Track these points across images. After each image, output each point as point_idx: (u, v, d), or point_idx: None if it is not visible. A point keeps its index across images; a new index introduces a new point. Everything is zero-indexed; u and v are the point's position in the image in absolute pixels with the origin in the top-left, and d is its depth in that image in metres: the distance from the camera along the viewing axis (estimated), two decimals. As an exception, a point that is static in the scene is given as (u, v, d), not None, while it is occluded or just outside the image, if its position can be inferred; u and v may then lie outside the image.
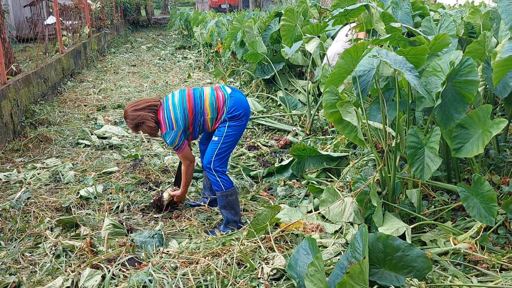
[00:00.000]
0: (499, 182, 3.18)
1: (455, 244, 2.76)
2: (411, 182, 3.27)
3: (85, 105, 6.70)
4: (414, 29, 3.46)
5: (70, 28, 10.20)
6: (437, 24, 3.85)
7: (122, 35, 17.72)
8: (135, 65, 10.70)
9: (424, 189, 3.38)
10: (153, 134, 3.28)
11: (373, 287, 2.36)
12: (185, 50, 13.55)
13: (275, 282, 2.49)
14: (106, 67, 10.38)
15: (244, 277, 2.52)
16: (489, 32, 3.22)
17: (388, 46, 3.38)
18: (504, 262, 2.61)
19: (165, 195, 3.46)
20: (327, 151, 4.11)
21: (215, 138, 3.21)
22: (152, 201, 3.48)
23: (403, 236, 2.75)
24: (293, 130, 5.31)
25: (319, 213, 3.19)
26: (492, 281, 2.46)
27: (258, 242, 2.85)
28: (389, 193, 3.10)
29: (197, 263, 2.64)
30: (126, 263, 2.62)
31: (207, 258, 2.70)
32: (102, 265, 2.60)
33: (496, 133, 2.67)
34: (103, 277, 2.49)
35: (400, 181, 3.18)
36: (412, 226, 2.89)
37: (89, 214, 3.39)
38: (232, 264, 2.61)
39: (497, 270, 2.57)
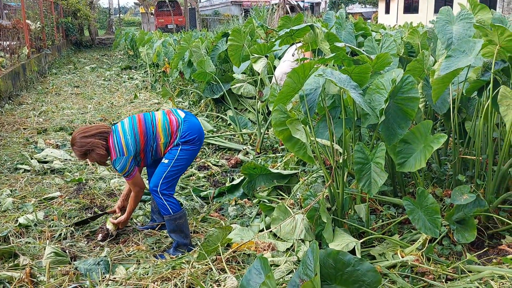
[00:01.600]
0: (441, 195, 3.30)
1: (402, 257, 2.82)
2: (359, 197, 3.33)
3: (24, 128, 6.39)
4: (357, 48, 3.58)
5: (8, 48, 9.78)
6: (378, 43, 4.01)
7: (64, 55, 17.21)
8: (79, 86, 10.38)
9: (372, 203, 3.46)
10: (102, 162, 3.15)
11: (325, 303, 2.36)
12: (131, 70, 13.32)
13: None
14: (47, 88, 10.01)
15: (195, 301, 2.44)
16: (427, 51, 3.39)
17: (333, 65, 3.47)
18: (449, 272, 2.70)
19: (110, 227, 3.32)
20: (278, 169, 4.13)
21: (165, 161, 3.11)
22: (100, 237, 3.30)
23: (353, 251, 2.78)
24: (243, 149, 5.31)
25: (271, 231, 3.18)
26: (439, 292, 2.52)
27: (209, 264, 2.79)
28: (338, 209, 3.14)
29: (146, 289, 2.54)
30: (70, 293, 2.48)
31: (156, 283, 2.60)
32: (43, 296, 2.44)
33: (437, 147, 2.78)
34: (44, 309, 2.33)
35: (349, 196, 3.24)
36: (361, 240, 2.93)
37: (29, 242, 3.19)
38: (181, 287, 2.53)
39: (443, 280, 2.65)
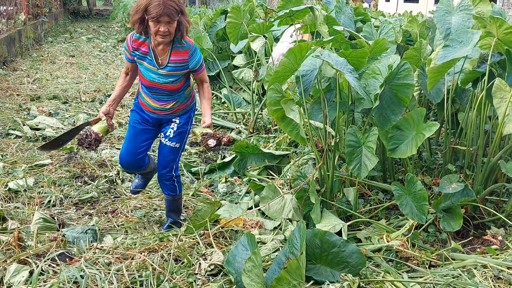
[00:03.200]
0: (430, 183, 3.34)
1: (388, 241, 2.87)
2: (348, 181, 3.36)
3: (17, 95, 6.33)
4: (355, 33, 3.56)
5: (4, 13, 9.62)
6: (377, 30, 4.00)
7: (61, 24, 16.95)
8: (74, 56, 10.26)
9: (361, 188, 3.49)
10: (179, 35, 2.64)
11: (309, 282, 2.40)
12: (128, 43, 13.18)
13: (213, 278, 2.47)
14: (42, 56, 9.88)
15: (181, 273, 2.47)
16: (425, 40, 3.39)
17: (331, 48, 3.46)
18: (433, 258, 2.75)
19: (96, 130, 2.71)
20: (269, 149, 4.14)
21: (175, 145, 2.90)
22: (87, 144, 2.68)
23: (339, 233, 2.82)
24: (236, 128, 5.31)
25: (259, 209, 3.20)
26: (421, 277, 2.57)
27: (196, 238, 2.82)
28: (327, 191, 3.17)
29: (132, 259, 2.56)
30: (57, 258, 2.49)
31: (143, 253, 2.62)
32: (30, 260, 2.45)
33: (428, 135, 2.81)
34: (31, 273, 2.35)
35: (338, 179, 3.27)
36: (348, 223, 2.97)
37: (18, 207, 3.20)
38: (169, 260, 2.56)
39: (426, 266, 2.70)
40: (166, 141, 2.90)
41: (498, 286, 2.45)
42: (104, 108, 2.79)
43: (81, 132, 2.70)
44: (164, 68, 2.71)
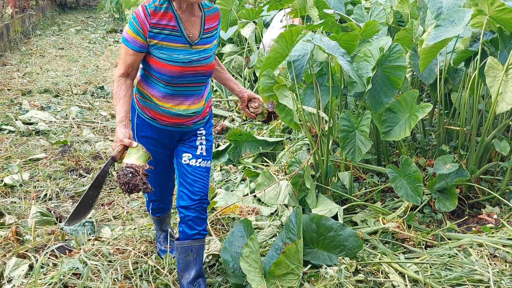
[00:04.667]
0: (424, 164, 3.35)
1: (384, 224, 2.89)
2: (343, 165, 3.37)
3: (8, 90, 6.27)
4: (346, 16, 3.54)
5: (-10, 7, 9.47)
6: (368, 12, 3.97)
7: (48, 17, 16.74)
8: (63, 49, 10.15)
9: (356, 171, 3.50)
10: None
11: (306, 266, 2.42)
12: (116, 33, 13.04)
13: (210, 269, 2.49)
14: (31, 50, 9.78)
15: (180, 262, 2.48)
16: (416, 20, 3.37)
17: (322, 32, 3.44)
18: (429, 239, 2.77)
19: (137, 161, 1.93)
20: (263, 136, 4.14)
21: (209, 164, 2.26)
22: (131, 181, 1.88)
23: (335, 217, 2.83)
24: (229, 116, 5.29)
25: (255, 196, 3.21)
26: (418, 257, 2.60)
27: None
28: (322, 176, 3.18)
29: (132, 249, 2.57)
30: (56, 251, 2.50)
31: (142, 245, 2.63)
32: (29, 254, 2.46)
33: (422, 117, 2.81)
34: (31, 266, 2.36)
35: (333, 164, 3.27)
36: (344, 207, 2.99)
37: (15, 202, 3.19)
38: (167, 251, 2.57)
39: (423, 247, 2.72)
40: (200, 162, 2.19)
41: (494, 264, 2.48)
42: (122, 131, 1.95)
43: (120, 173, 1.86)
44: (198, 42, 2.06)
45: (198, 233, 2.17)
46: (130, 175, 1.85)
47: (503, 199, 2.94)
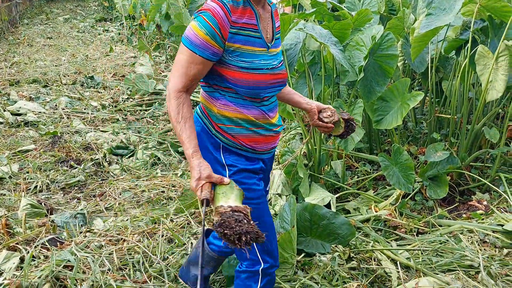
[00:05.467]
0: (416, 152, 3.37)
1: (376, 211, 2.91)
2: (335, 154, 3.38)
3: (-5, 80, 6.19)
4: (338, 4, 3.52)
5: (-24, -5, 9.30)
6: (360, 0, 3.95)
7: (36, 5, 16.49)
8: (51, 38, 10.02)
9: (348, 160, 3.52)
10: None
11: (300, 255, 2.43)
12: (106, 22, 12.89)
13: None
14: (19, 39, 9.63)
15: (172, 253, 2.49)
16: (408, 9, 3.36)
17: (314, 21, 3.42)
18: (420, 226, 2.80)
19: (236, 203, 1.48)
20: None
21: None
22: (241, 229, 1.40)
23: (328, 206, 2.85)
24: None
25: (248, 186, 3.21)
26: (409, 244, 2.63)
27: (188, 217, 2.82)
28: (315, 165, 3.19)
29: (124, 241, 2.57)
30: (47, 243, 2.48)
31: (135, 236, 2.63)
32: (20, 246, 2.44)
33: (413, 105, 2.82)
34: (22, 259, 2.34)
35: (326, 152, 3.28)
36: (336, 195, 3.00)
37: (4, 194, 3.16)
38: (160, 241, 2.57)
39: (414, 234, 2.75)
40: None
41: (484, 249, 2.51)
42: (204, 164, 1.51)
43: (227, 221, 1.37)
44: (273, 45, 1.68)
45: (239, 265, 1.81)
46: (245, 221, 1.38)
47: (492, 186, 2.97)
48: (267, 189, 1.89)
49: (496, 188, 2.94)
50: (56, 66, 7.23)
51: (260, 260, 1.69)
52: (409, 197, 3.03)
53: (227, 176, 1.63)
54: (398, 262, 2.43)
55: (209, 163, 1.55)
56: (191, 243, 2.55)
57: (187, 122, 1.52)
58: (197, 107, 1.74)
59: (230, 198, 1.46)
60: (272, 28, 1.67)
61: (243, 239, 1.34)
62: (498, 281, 2.30)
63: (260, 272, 1.68)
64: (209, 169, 1.51)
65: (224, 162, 1.64)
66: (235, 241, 1.35)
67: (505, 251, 2.51)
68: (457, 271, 2.34)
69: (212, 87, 1.63)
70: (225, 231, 1.34)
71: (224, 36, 1.50)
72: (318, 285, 2.22)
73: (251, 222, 1.39)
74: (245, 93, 1.58)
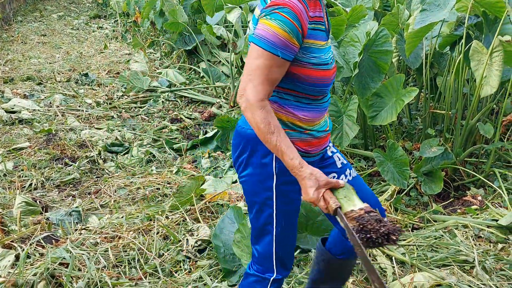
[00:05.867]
0: (411, 148, 3.38)
1: (371, 207, 2.91)
2: (331, 150, 3.38)
3: (-11, 77, 6.15)
4: (333, 0, 3.52)
5: (-32, -8, 9.23)
6: (354, -4, 3.95)
7: (29, 2, 16.39)
8: (46, 35, 9.96)
9: (343, 156, 3.52)
10: None
11: (296, 251, 2.44)
12: (100, 19, 12.83)
13: (199, 254, 2.49)
14: (13, 36, 9.58)
15: (167, 250, 2.49)
16: (402, 5, 3.36)
17: (309, 17, 3.42)
18: (415, 221, 2.81)
19: (360, 205, 1.38)
20: (251, 122, 4.13)
21: (354, 171, 1.77)
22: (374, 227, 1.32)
23: (324, 202, 2.85)
24: (217, 102, 5.27)
25: (244, 182, 3.21)
26: (404, 240, 2.64)
27: (183, 214, 2.82)
28: (310, 161, 3.19)
29: (119, 238, 2.57)
30: (42, 241, 2.48)
31: (130, 233, 2.63)
32: (15, 244, 2.43)
33: (408, 101, 2.83)
34: (17, 257, 2.33)
35: (321, 149, 3.28)
36: (332, 191, 3.00)
37: (-2, 193, 3.15)
38: (155, 238, 2.56)
39: (409, 229, 2.76)
40: (354, 172, 1.75)
41: (479, 244, 2.52)
42: (316, 170, 1.40)
43: (369, 224, 1.29)
44: (328, 37, 1.58)
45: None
46: (383, 222, 1.29)
47: (487, 181, 2.98)
48: (339, 166, 1.68)
49: (491, 183, 2.96)
50: (50, 63, 7.20)
51: (274, 269, 1.61)
52: (404, 192, 3.04)
53: (274, 184, 1.52)
54: (393, 258, 2.44)
55: (252, 170, 1.51)
56: (187, 239, 2.55)
57: (280, 131, 1.40)
58: None
59: (354, 200, 1.37)
60: (327, 17, 1.55)
61: (393, 238, 1.26)
62: (493, 275, 2.31)
63: (270, 280, 1.62)
64: (323, 175, 1.40)
65: (274, 170, 1.51)
66: (383, 242, 1.26)
67: (500, 246, 2.53)
68: (452, 266, 2.35)
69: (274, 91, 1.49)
70: (369, 235, 1.25)
71: (304, 32, 1.40)
72: (313, 281, 2.23)
73: (375, 215, 1.31)
74: (313, 92, 1.49)
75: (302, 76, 1.45)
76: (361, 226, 1.27)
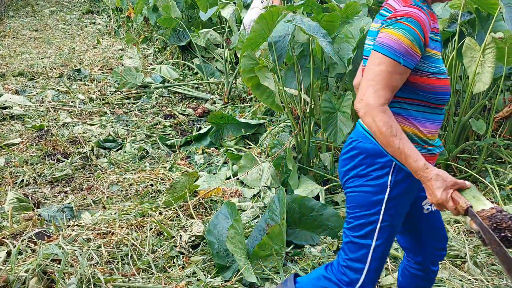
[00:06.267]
0: (403, 144, 3.39)
1: (364, 203, 2.92)
2: (324, 146, 3.39)
3: (-20, 73, 6.09)
4: (327, -4, 3.52)
5: (-41, -14, 9.12)
6: (348, -8, 3.95)
7: (21, -3, 16.25)
8: (37, 30, 9.88)
9: (337, 152, 3.53)
10: None
11: (289, 246, 2.44)
12: (93, 15, 12.74)
13: (193, 250, 2.49)
14: (4, 32, 9.49)
15: (161, 246, 2.48)
16: (396, 1, 3.37)
17: (302, 13, 3.42)
18: (407, 217, 2.82)
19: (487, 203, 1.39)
20: (245, 119, 4.13)
21: None
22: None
23: (317, 197, 2.86)
24: (211, 98, 5.26)
25: (238, 179, 3.21)
26: (397, 235, 2.65)
27: (177, 210, 2.82)
28: (304, 157, 3.19)
29: (112, 234, 2.56)
30: (34, 237, 2.46)
31: (123, 229, 2.62)
32: (6, 240, 2.41)
33: (402, 97, 2.83)
34: (9, 253, 2.32)
35: (315, 145, 3.29)
36: (325, 187, 3.01)
37: (-10, 189, 3.12)
38: (148, 234, 2.56)
39: (402, 224, 2.77)
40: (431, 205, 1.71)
41: (471, 239, 2.54)
42: (441, 171, 1.39)
43: (503, 224, 1.30)
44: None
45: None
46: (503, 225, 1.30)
47: (479, 177, 3.00)
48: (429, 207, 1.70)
49: (483, 179, 2.98)
50: (42, 59, 7.14)
51: (360, 283, 1.56)
52: (397, 188, 3.04)
53: (386, 198, 1.52)
54: (386, 253, 2.45)
55: (366, 183, 1.52)
56: (180, 235, 2.54)
57: (402, 134, 1.41)
58: (361, 122, 1.58)
59: (483, 200, 1.37)
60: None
61: None
62: (484, 270, 2.33)
63: None
64: (450, 175, 1.40)
65: (389, 183, 1.51)
66: None
67: (491, 241, 2.54)
68: (444, 261, 2.36)
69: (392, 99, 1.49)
70: (504, 234, 1.26)
71: (426, 42, 1.45)
72: (307, 276, 2.23)
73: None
74: (434, 100, 1.51)
75: (422, 85, 1.49)
76: (495, 225, 1.27)
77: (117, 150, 3.92)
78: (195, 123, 4.64)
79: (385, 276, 2.28)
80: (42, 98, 5.09)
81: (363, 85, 1.44)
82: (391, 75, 1.42)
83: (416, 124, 1.51)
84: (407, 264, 1.81)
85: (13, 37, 8.97)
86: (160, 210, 2.84)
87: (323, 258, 2.31)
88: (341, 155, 1.63)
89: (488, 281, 2.25)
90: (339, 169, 1.65)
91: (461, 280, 2.24)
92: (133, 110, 4.90)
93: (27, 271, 2.14)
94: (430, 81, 1.48)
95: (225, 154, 3.73)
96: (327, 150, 3.38)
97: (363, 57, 1.58)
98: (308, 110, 3.14)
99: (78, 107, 4.85)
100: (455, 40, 2.99)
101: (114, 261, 2.36)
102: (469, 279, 2.26)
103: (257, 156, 3.40)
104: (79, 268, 2.21)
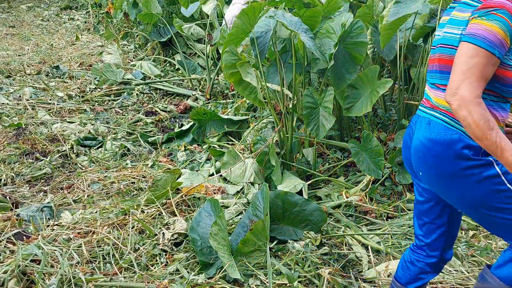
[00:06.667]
0: (385, 139, 3.42)
1: (347, 197, 2.94)
2: (307, 141, 3.39)
3: (-45, 70, 5.93)
4: (308, -9, 3.51)
5: None
6: (329, -12, 3.95)
7: (-3, -7, 15.89)
8: (14, 27, 9.67)
9: (319, 147, 3.54)
10: None
11: (273, 242, 2.44)
12: (71, 10, 12.53)
13: (176, 248, 2.47)
14: (-21, 28, 9.27)
15: (143, 244, 2.45)
16: (377, -3, 3.38)
17: (284, 8, 3.41)
18: (390, 211, 2.85)
19: None
20: (228, 115, 4.11)
21: None
22: None
23: (300, 193, 2.86)
24: (193, 95, 5.21)
25: (221, 175, 3.20)
26: (379, 229, 2.67)
27: (159, 207, 2.79)
28: (287, 153, 3.19)
29: (93, 233, 2.52)
30: (12, 238, 2.41)
31: (104, 227, 2.58)
32: (-16, 242, 2.36)
33: (383, 92, 2.86)
34: (-14, 255, 2.26)
35: (297, 140, 3.29)
36: (308, 182, 3.02)
37: (-34, 189, 3.05)
38: (130, 232, 2.52)
39: (384, 218, 2.80)
40: None
41: (452, 232, 2.57)
42: None
43: None
44: None
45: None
46: None
47: (460, 171, 3.03)
48: None
49: (463, 173, 3.01)
50: (19, 55, 6.99)
51: None
52: (379, 182, 3.07)
53: (499, 171, 1.49)
54: (369, 247, 2.47)
55: (452, 174, 1.51)
56: (163, 233, 2.51)
57: (497, 127, 1.40)
58: (439, 114, 1.56)
59: None
60: None
61: None
62: (465, 262, 2.37)
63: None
64: None
65: (499, 171, 1.49)
66: None
67: (471, 233, 2.59)
68: (426, 254, 2.38)
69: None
70: None
71: None
72: (291, 271, 2.23)
73: None
74: (507, 93, 1.52)
75: (502, 77, 1.48)
76: None
77: (98, 148, 3.87)
78: (177, 120, 4.60)
79: (368, 269, 2.30)
80: (20, 96, 4.98)
81: (457, 77, 1.42)
82: (486, 67, 1.41)
83: (495, 113, 1.51)
84: (415, 257, 1.81)
85: (-11, 34, 8.76)
86: (142, 208, 2.81)
87: (306, 253, 2.32)
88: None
89: (468, 272, 2.29)
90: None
91: (442, 272, 2.26)
92: (114, 107, 4.84)
93: (5, 272, 2.09)
94: (509, 74, 1.48)
95: (207, 151, 3.71)
96: (309, 146, 3.39)
97: (440, 45, 1.54)
98: (290, 105, 3.14)
99: (57, 104, 4.77)
100: (434, 35, 3.01)
101: (96, 261, 2.32)
102: (450, 270, 2.29)
103: (240, 152, 3.39)
104: (60, 268, 2.17)
